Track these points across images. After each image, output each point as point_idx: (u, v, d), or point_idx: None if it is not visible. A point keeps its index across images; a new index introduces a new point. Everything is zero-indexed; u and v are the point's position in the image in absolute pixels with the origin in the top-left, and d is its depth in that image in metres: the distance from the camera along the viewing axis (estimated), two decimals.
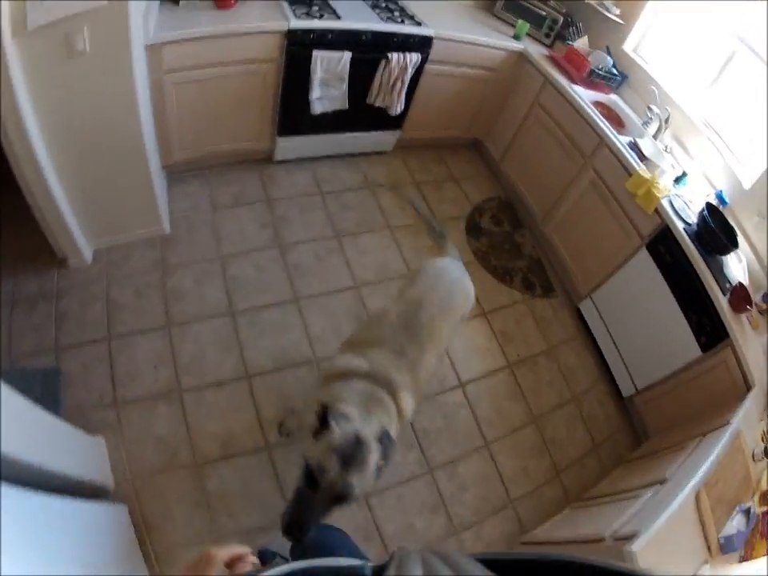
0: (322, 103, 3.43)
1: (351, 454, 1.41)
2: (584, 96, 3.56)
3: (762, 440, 2.56)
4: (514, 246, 4.09)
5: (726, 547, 2.13)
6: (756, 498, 2.38)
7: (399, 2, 3.66)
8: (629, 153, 3.24)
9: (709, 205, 3.06)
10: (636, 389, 3.41)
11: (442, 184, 4.30)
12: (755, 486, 2.44)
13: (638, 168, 3.15)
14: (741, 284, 2.93)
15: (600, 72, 3.71)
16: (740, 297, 2.87)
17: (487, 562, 0.49)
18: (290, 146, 3.77)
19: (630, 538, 2.05)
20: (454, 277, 2.32)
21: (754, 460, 2.48)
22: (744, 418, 2.57)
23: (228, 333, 2.97)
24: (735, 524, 2.22)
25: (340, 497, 1.39)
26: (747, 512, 2.26)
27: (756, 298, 2.98)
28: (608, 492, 2.89)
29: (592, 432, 3.38)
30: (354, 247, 3.61)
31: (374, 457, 1.45)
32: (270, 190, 3.70)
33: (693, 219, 3.08)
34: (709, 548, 2.11)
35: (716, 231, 2.94)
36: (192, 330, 2.92)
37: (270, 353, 2.96)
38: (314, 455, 1.42)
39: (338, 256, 3.52)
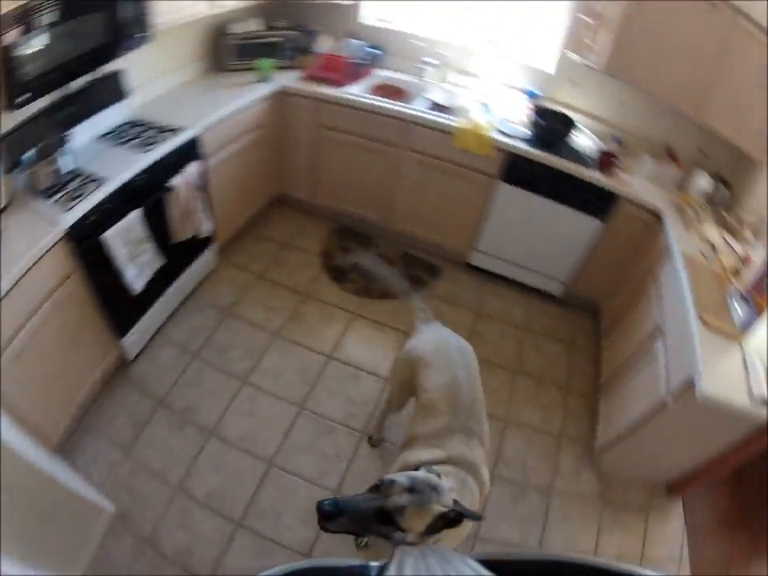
0: (140, 276, 2.83)
1: (422, 488, 1.38)
2: (358, 91, 3.47)
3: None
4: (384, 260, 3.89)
5: (746, 325, 2.58)
6: (734, 279, 2.84)
7: (142, 122, 3.05)
8: (434, 115, 3.26)
9: (535, 109, 3.19)
10: (563, 283, 3.82)
11: (279, 256, 3.95)
12: (726, 273, 2.90)
13: (453, 123, 3.18)
14: (604, 151, 3.14)
15: (359, 60, 3.62)
16: (605, 160, 3.13)
17: (487, 562, 0.49)
18: (136, 339, 3.13)
19: (687, 387, 2.34)
20: (450, 339, 2.36)
21: (706, 257, 2.96)
22: (676, 237, 3.02)
23: None
24: (738, 308, 2.68)
25: (389, 514, 1.34)
26: (739, 295, 2.71)
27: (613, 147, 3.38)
28: (619, 364, 3.22)
29: (559, 338, 3.73)
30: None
31: (438, 505, 1.38)
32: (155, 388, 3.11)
33: (526, 129, 3.20)
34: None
35: (550, 126, 3.11)
36: None
37: None
38: (394, 504, 1.36)
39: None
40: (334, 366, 3.27)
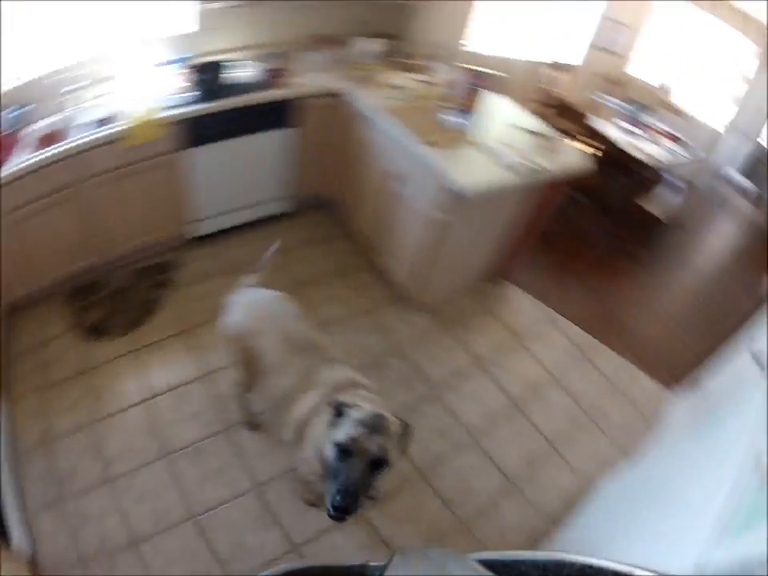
0: None
1: (375, 423, 1.55)
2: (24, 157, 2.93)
3: None
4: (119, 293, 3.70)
5: (467, 126, 3.32)
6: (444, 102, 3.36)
7: None
8: (95, 132, 3.02)
9: (190, 70, 3.31)
10: (289, 197, 4.12)
11: (39, 359, 3.20)
12: (434, 102, 3.43)
13: (118, 128, 3.05)
14: (269, 69, 3.39)
15: (4, 130, 3.00)
16: (272, 76, 3.43)
17: (487, 563, 0.52)
18: None
19: (453, 196, 2.87)
20: (261, 299, 2.49)
21: (404, 100, 3.45)
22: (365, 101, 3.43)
23: None
24: (455, 118, 3.30)
25: (377, 460, 1.52)
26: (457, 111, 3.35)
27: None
28: (375, 223, 3.61)
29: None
30: None
31: (394, 427, 1.60)
32: None
33: (190, 93, 3.24)
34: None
35: (204, 78, 3.18)
36: None
37: None
38: (339, 433, 1.55)
39: None
40: (159, 402, 3.10)
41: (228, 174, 3.65)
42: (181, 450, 2.91)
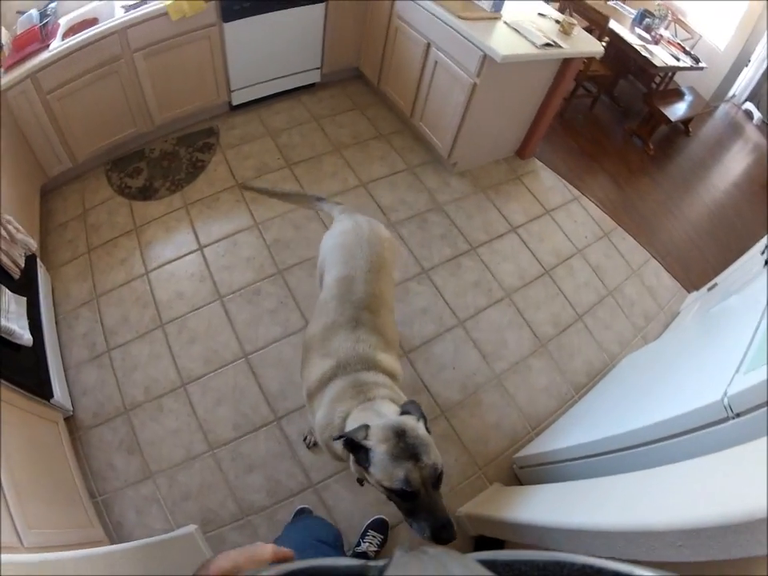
0: None
1: (408, 444, 1.30)
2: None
3: None
4: (164, 158, 3.63)
5: (498, 6, 3.24)
6: None
7: None
8: (139, 10, 2.93)
9: None
10: (318, 68, 3.97)
11: (88, 225, 3.28)
12: None
13: (159, 4, 2.97)
14: None
15: (41, 23, 2.91)
16: None
17: (487, 562, 0.50)
18: None
19: (485, 61, 2.86)
20: (362, 230, 2.08)
21: None
22: None
23: None
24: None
25: (435, 481, 1.31)
26: None
27: None
28: (405, 91, 3.42)
29: (347, 108, 4.04)
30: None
31: (421, 427, 1.37)
32: None
33: None
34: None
35: None
36: None
37: None
38: (383, 475, 1.30)
39: None
40: (212, 251, 3.10)
41: (264, 47, 3.54)
42: (234, 292, 2.93)
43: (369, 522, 2.32)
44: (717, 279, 3.29)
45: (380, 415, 1.43)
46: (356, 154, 3.66)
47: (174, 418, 2.53)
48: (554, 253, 3.43)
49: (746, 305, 1.97)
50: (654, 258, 3.70)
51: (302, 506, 2.35)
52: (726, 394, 1.30)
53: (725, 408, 1.29)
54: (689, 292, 3.55)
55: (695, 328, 2.43)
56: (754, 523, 0.83)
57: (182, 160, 3.57)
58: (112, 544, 2.17)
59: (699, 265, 3.83)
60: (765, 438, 1.03)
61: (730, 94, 6.52)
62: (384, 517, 2.33)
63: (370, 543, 2.22)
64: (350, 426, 1.44)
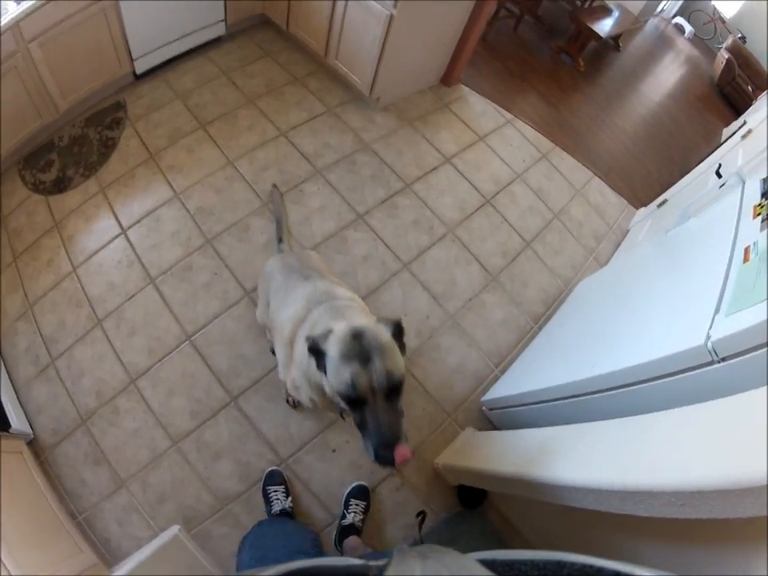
0: None
1: (363, 347, 1.19)
2: None
3: None
4: (74, 143, 3.28)
5: None
6: None
7: None
8: None
9: None
10: (222, 20, 3.55)
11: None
12: None
13: None
14: None
15: None
16: None
17: (487, 562, 0.48)
18: None
19: None
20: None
21: None
22: None
23: None
24: None
25: (393, 387, 1.17)
26: None
27: None
28: (314, 26, 3.08)
29: (257, 57, 3.64)
30: None
31: (384, 334, 1.24)
32: None
33: None
34: None
35: None
36: None
37: None
38: (333, 378, 1.20)
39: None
40: (136, 232, 2.83)
41: (162, 5, 3.13)
42: (164, 272, 2.70)
43: (348, 490, 2.24)
44: (666, 195, 3.18)
45: (349, 322, 1.34)
46: (271, 102, 3.34)
47: (131, 418, 2.37)
48: (493, 180, 3.24)
49: (708, 231, 1.88)
50: (597, 175, 3.57)
51: (271, 469, 2.25)
52: (709, 337, 1.23)
53: (709, 352, 1.22)
54: (636, 208, 3.46)
55: (654, 250, 2.30)
56: (756, 489, 0.77)
57: (92, 142, 3.22)
58: (105, 564, 2.10)
59: (643, 179, 3.74)
60: (764, 390, 0.93)
61: (659, 9, 6.41)
62: (363, 483, 2.24)
63: (355, 513, 2.16)
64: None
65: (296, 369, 1.55)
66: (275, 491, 2.17)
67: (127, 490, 2.26)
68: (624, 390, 1.49)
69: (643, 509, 0.98)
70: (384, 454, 1.12)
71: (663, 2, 6.41)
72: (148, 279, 2.66)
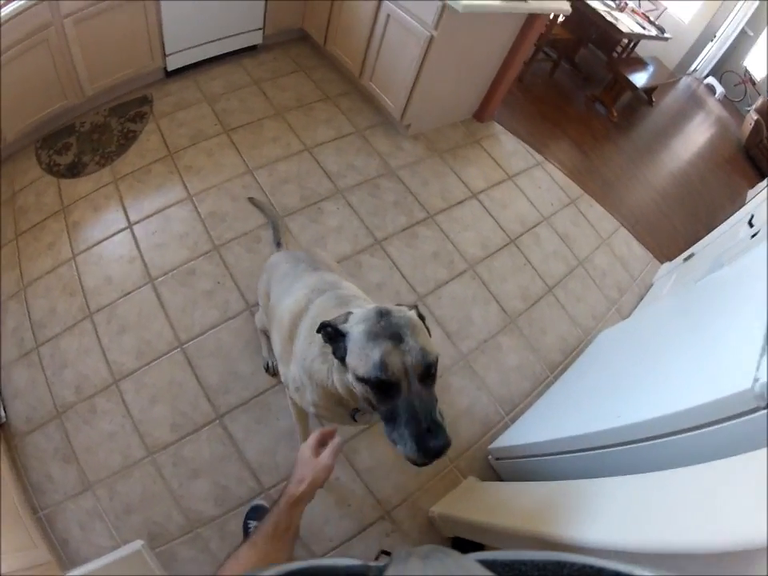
0: None
1: (391, 323, 1.02)
2: None
3: None
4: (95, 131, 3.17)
5: None
6: None
7: None
8: None
9: None
10: (260, 29, 3.47)
11: (20, 221, 2.83)
12: None
13: None
14: None
15: None
16: None
17: (487, 562, 0.48)
18: None
19: (443, 12, 2.36)
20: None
21: None
22: None
23: None
24: None
25: (428, 367, 1.00)
26: None
27: None
28: (357, 48, 3.12)
29: (290, 71, 3.56)
30: None
31: (411, 312, 1.09)
32: None
33: None
34: None
35: None
36: None
37: None
38: (358, 361, 1.02)
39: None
40: (143, 228, 2.69)
41: (202, 5, 3.07)
42: (166, 273, 2.53)
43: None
44: (693, 249, 3.03)
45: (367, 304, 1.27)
46: (300, 117, 3.23)
47: (108, 420, 2.18)
48: (519, 220, 3.09)
49: (744, 276, 1.71)
50: (624, 226, 3.41)
51: (257, 503, 2.04)
52: (756, 380, 1.04)
53: (755, 398, 1.03)
54: (661, 263, 3.29)
55: (682, 300, 2.14)
56: None
57: (113, 132, 3.11)
58: (59, 564, 1.93)
59: (668, 234, 3.59)
60: None
61: (692, 68, 6.38)
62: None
63: None
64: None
65: (296, 366, 1.37)
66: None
67: (93, 494, 2.06)
68: (652, 442, 1.30)
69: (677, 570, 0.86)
70: (430, 444, 0.95)
71: (697, 61, 6.39)
72: (147, 278, 2.50)
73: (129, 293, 2.46)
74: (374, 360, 0.97)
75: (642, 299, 3.03)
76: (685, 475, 1.03)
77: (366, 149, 3.16)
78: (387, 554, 1.35)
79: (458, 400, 2.38)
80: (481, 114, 3.52)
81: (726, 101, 6.37)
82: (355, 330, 1.04)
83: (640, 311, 2.90)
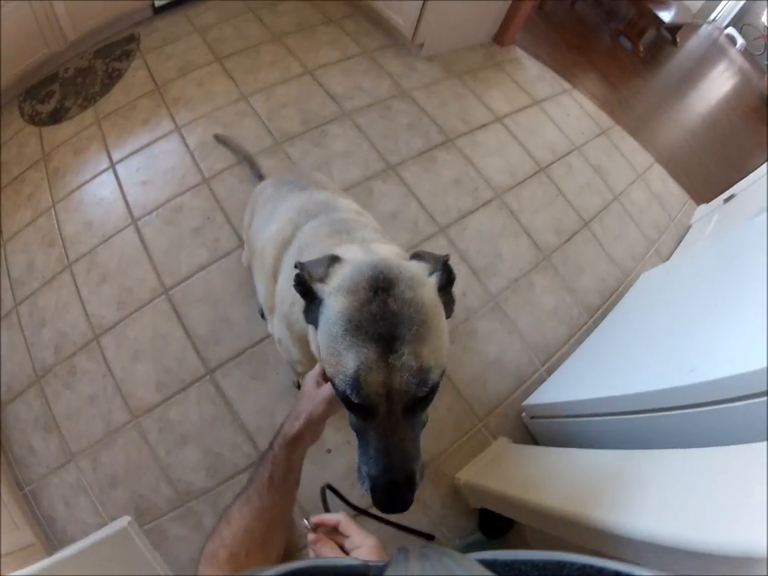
0: None
1: (385, 311, 0.63)
2: None
3: None
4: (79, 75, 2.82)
5: None
6: None
7: None
8: None
9: None
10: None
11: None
12: None
13: None
14: None
15: None
16: None
17: (487, 562, 0.42)
18: None
19: None
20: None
21: None
22: None
23: None
24: None
25: (413, 400, 0.64)
26: None
27: None
28: None
29: None
30: None
31: (427, 287, 0.68)
32: None
33: None
34: None
35: None
36: None
37: None
38: (327, 353, 0.66)
39: None
40: (126, 166, 2.34)
41: None
42: (149, 212, 2.17)
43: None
44: (733, 190, 2.58)
45: (371, 255, 0.78)
46: (300, 41, 2.78)
47: (89, 381, 1.87)
48: (548, 148, 2.64)
49: None
50: (658, 162, 2.95)
51: None
52: None
53: None
54: (697, 204, 2.85)
55: (736, 240, 1.71)
56: None
57: (97, 73, 2.74)
58: (47, 543, 1.78)
59: (702, 176, 3.11)
60: None
61: (712, 16, 5.85)
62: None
63: None
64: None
65: (277, 315, 1.02)
66: None
67: (77, 465, 1.81)
68: (730, 405, 0.96)
69: None
70: (383, 498, 0.65)
71: (717, 10, 5.87)
72: (130, 219, 2.14)
73: (110, 237, 2.12)
74: (345, 370, 0.62)
75: (680, 241, 2.59)
76: None
77: (374, 69, 2.71)
78: (332, 489, 1.02)
79: (486, 348, 1.97)
80: (501, 38, 3.03)
81: (746, 53, 5.86)
82: (333, 302, 0.66)
83: (680, 254, 2.48)
